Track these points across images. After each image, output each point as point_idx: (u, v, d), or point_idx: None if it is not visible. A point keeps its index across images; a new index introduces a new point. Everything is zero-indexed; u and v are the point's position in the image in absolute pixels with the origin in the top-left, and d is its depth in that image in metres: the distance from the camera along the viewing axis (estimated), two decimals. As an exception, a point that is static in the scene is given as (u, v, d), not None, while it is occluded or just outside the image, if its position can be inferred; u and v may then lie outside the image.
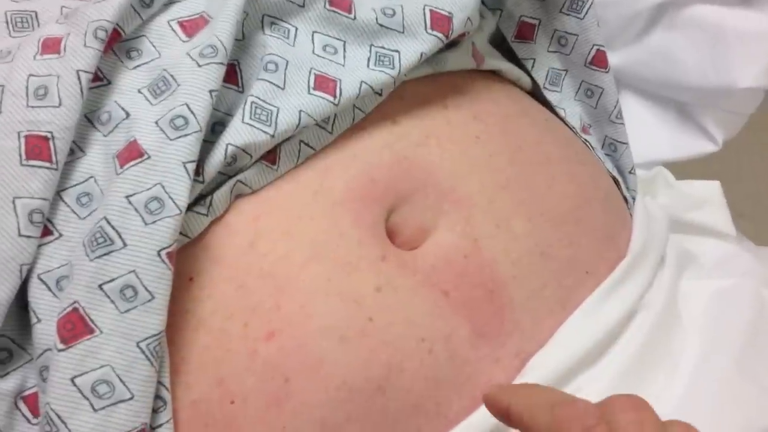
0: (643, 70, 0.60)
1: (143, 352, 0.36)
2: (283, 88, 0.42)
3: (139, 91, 0.40)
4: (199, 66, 0.39)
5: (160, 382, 0.37)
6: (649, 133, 0.61)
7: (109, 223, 0.37)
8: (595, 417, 0.30)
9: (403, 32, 0.45)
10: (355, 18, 0.45)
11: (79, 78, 0.39)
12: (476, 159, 0.45)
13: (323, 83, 0.42)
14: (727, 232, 0.55)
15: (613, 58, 0.57)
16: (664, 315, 0.45)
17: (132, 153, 0.38)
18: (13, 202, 0.38)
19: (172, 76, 0.40)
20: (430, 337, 0.40)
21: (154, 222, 0.37)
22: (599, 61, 0.53)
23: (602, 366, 0.43)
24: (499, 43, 0.55)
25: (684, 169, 0.60)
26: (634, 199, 0.53)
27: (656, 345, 0.44)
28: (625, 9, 0.58)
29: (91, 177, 0.39)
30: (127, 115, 0.40)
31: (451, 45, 0.48)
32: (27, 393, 0.39)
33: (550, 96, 0.54)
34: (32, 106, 0.38)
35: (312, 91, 0.42)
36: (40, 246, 0.38)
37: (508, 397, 0.33)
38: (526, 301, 0.43)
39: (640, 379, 0.43)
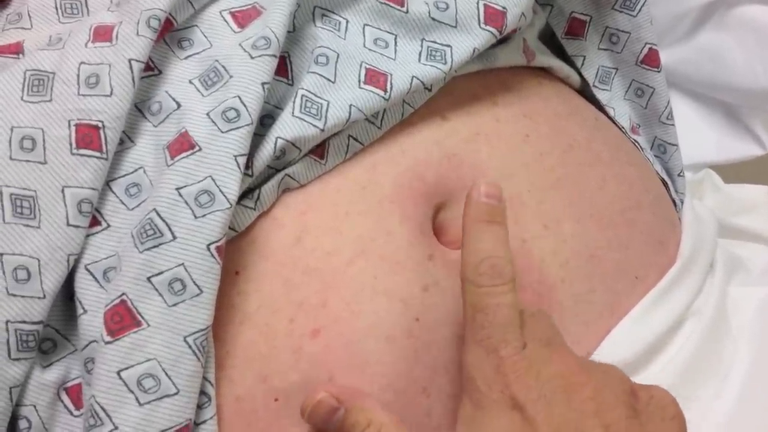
0: (690, 70, 0.59)
1: (190, 346, 0.36)
2: (333, 82, 0.41)
3: (190, 82, 0.40)
4: (252, 58, 0.39)
5: (205, 378, 0.37)
6: (694, 135, 0.60)
7: (158, 215, 0.36)
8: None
9: (455, 27, 0.44)
10: (407, 11, 0.44)
11: (131, 67, 0.38)
12: (525, 158, 0.44)
13: (374, 77, 0.42)
14: (774, 238, 0.54)
15: (660, 57, 0.56)
16: (714, 323, 0.44)
17: (183, 144, 0.37)
18: (63, 191, 0.37)
19: (224, 67, 0.39)
20: None
21: (204, 215, 0.36)
22: (651, 60, 0.52)
23: (651, 374, 0.42)
24: (548, 39, 0.54)
25: (732, 172, 0.59)
26: (682, 201, 0.52)
27: (707, 353, 0.43)
28: (674, 7, 0.57)
29: (141, 167, 0.39)
30: (178, 105, 0.39)
31: (502, 41, 0.47)
32: (70, 384, 0.38)
33: (600, 94, 0.53)
34: (83, 95, 0.38)
35: (362, 85, 0.41)
36: (87, 236, 0.38)
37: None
38: (575, 305, 0.42)
39: (690, 386, 0.42)
